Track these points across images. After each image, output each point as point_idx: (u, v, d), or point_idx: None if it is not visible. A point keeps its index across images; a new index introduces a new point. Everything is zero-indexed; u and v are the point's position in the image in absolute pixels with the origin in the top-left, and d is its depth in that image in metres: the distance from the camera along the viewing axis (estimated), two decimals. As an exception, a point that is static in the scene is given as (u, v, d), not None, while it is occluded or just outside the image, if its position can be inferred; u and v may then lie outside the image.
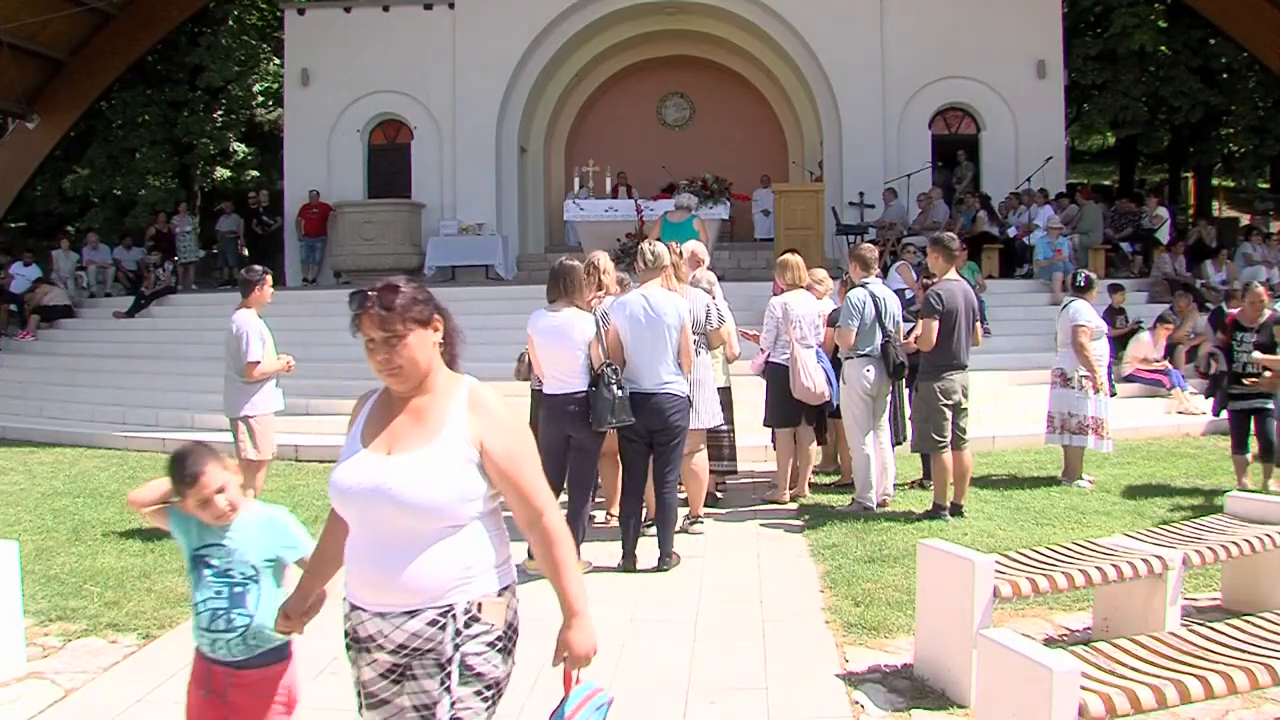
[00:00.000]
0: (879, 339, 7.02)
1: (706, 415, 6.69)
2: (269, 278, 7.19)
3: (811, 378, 7.26)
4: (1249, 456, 7.53)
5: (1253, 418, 7.44)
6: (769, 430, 7.84)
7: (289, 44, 18.33)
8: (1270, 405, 7.35)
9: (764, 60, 18.71)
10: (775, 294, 7.99)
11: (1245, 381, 7.35)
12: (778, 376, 7.49)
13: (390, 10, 17.78)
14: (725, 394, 7.23)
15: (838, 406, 7.43)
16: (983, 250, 14.20)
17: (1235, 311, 8.12)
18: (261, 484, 7.14)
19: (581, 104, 20.05)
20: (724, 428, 7.18)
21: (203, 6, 19.98)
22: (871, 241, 14.87)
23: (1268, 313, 7.51)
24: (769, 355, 7.59)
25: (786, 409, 7.51)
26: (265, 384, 6.95)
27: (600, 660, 4.50)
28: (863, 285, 7.17)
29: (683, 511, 6.56)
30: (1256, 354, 7.27)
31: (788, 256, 7.82)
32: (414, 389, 2.42)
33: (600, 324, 5.83)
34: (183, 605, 5.31)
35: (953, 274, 7.05)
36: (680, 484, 6.65)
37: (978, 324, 7.17)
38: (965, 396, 6.93)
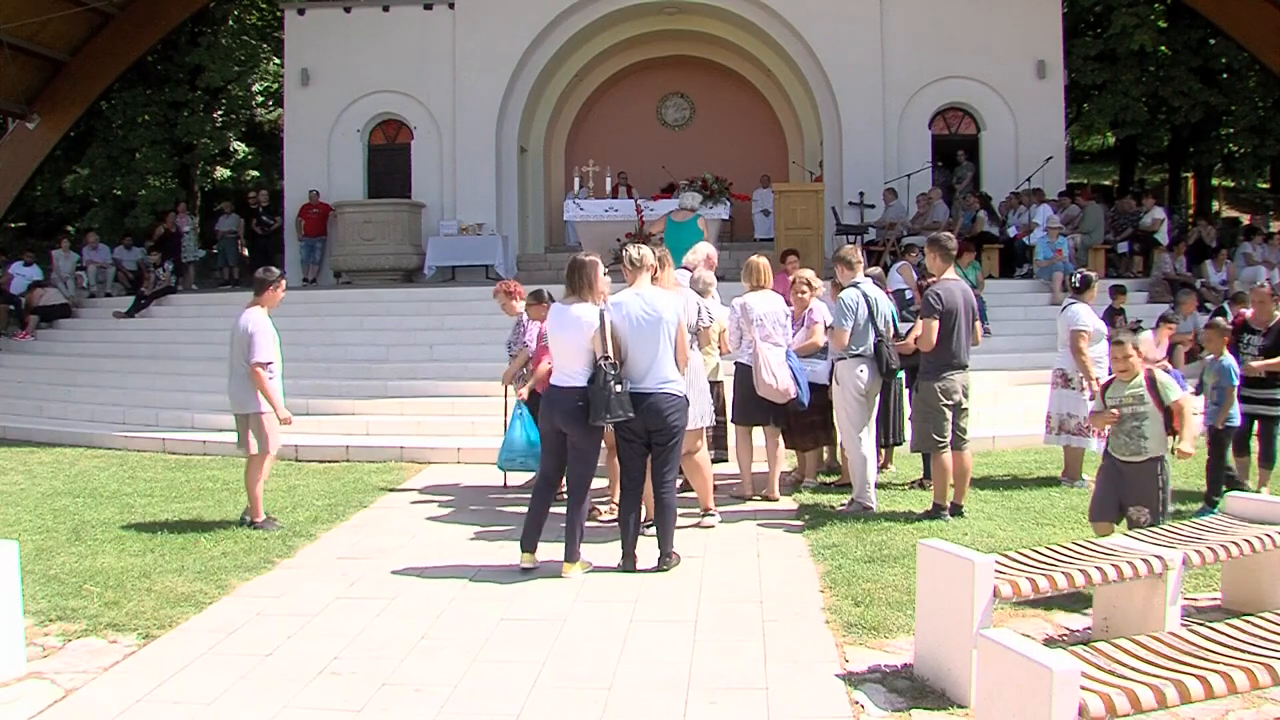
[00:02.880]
0: (872, 339, 7.04)
1: (700, 414, 6.74)
2: (284, 281, 7.38)
3: (774, 374, 7.25)
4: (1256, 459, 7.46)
5: (1256, 421, 7.36)
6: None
7: (289, 44, 18.33)
8: (1275, 412, 7.28)
9: (764, 60, 18.72)
10: (776, 289, 8.03)
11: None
12: (742, 375, 7.55)
13: (390, 10, 17.78)
14: (717, 387, 7.40)
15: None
16: (983, 250, 14.21)
17: (1247, 313, 7.98)
18: (265, 478, 7.18)
19: (581, 104, 20.07)
20: (718, 419, 7.35)
21: (203, 6, 19.98)
22: (871, 241, 14.93)
23: (1277, 315, 7.43)
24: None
25: (750, 407, 7.55)
26: (278, 380, 7.08)
27: (600, 660, 4.52)
28: (854, 285, 7.17)
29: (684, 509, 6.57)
30: (1254, 364, 7.22)
31: (752, 259, 7.81)
32: None
33: (604, 319, 5.85)
34: (183, 605, 5.32)
35: (951, 273, 7.03)
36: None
37: (977, 323, 7.16)
38: (966, 396, 6.91)
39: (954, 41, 16.87)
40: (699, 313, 6.83)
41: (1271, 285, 14.23)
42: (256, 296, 7.18)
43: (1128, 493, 5.48)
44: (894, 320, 7.46)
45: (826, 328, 7.55)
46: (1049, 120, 17.03)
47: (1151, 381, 5.45)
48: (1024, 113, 16.93)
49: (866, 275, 7.53)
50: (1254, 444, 7.50)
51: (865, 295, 7.08)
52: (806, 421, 7.84)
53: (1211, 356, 7.23)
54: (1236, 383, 7.04)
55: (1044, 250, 13.70)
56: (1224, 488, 6.87)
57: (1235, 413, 7.13)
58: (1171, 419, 5.44)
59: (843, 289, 7.32)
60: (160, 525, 7.07)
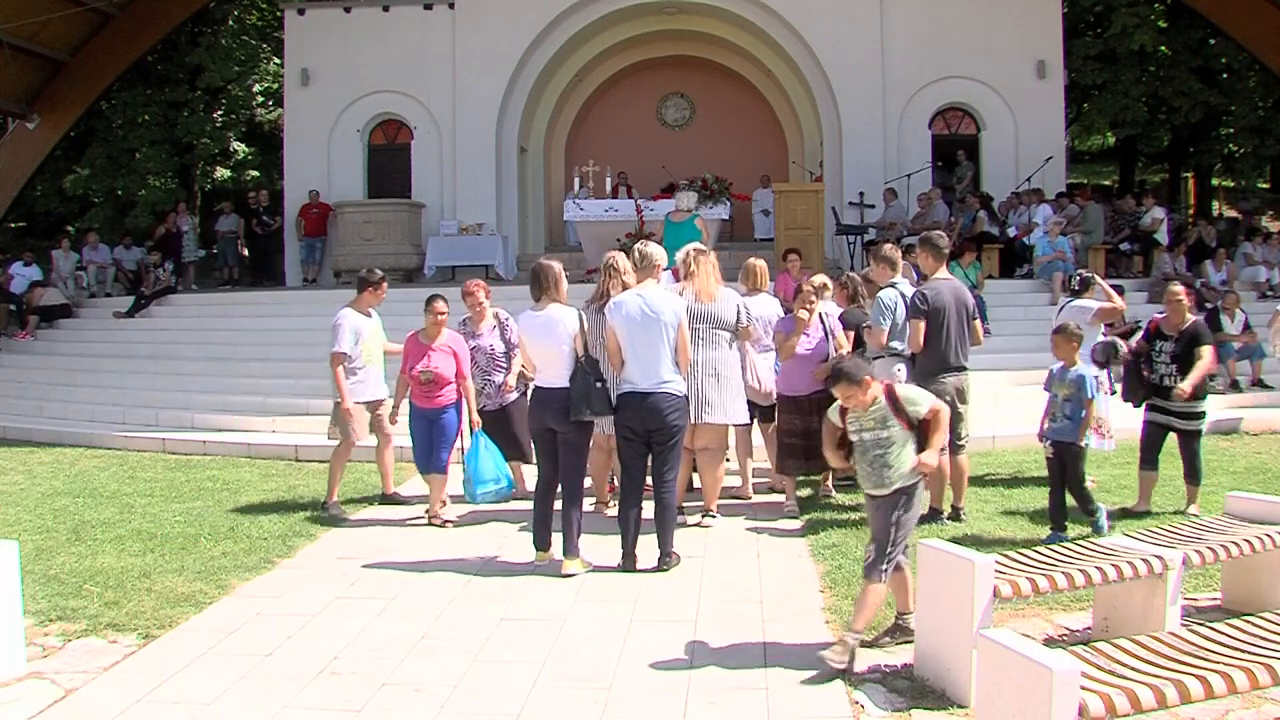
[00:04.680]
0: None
1: (735, 412, 6.81)
2: (385, 284, 7.70)
3: (759, 378, 7.35)
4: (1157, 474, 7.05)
5: (1173, 436, 6.99)
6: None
7: (289, 44, 18.33)
8: (1195, 426, 6.94)
9: (764, 60, 18.72)
10: (779, 289, 8.00)
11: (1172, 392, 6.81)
12: None
13: (390, 10, 17.78)
14: None
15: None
16: (983, 250, 14.20)
17: (1158, 317, 7.37)
18: (342, 468, 7.57)
19: (581, 104, 20.07)
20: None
21: (203, 6, 19.98)
22: (871, 242, 14.90)
23: (1189, 319, 7.07)
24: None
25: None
26: (368, 372, 7.51)
27: (600, 660, 4.51)
28: (892, 285, 7.13)
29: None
30: (1183, 386, 6.73)
31: (750, 261, 7.85)
32: None
33: (583, 320, 5.95)
34: (183, 605, 5.32)
35: (943, 272, 6.95)
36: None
37: (976, 323, 7.07)
38: (962, 400, 6.75)
39: (954, 41, 16.88)
40: (739, 312, 6.84)
41: (1271, 285, 14.26)
42: (358, 295, 7.58)
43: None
44: None
45: (864, 327, 7.48)
46: (1049, 120, 17.03)
47: (893, 399, 4.53)
48: (1024, 113, 16.93)
49: (861, 274, 7.54)
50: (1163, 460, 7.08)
51: (903, 295, 7.05)
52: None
53: (1061, 365, 6.51)
54: (1092, 395, 6.36)
55: (1044, 250, 13.69)
56: (1096, 508, 6.32)
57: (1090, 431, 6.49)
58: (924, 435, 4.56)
59: (880, 289, 7.30)
60: (160, 525, 7.07)
